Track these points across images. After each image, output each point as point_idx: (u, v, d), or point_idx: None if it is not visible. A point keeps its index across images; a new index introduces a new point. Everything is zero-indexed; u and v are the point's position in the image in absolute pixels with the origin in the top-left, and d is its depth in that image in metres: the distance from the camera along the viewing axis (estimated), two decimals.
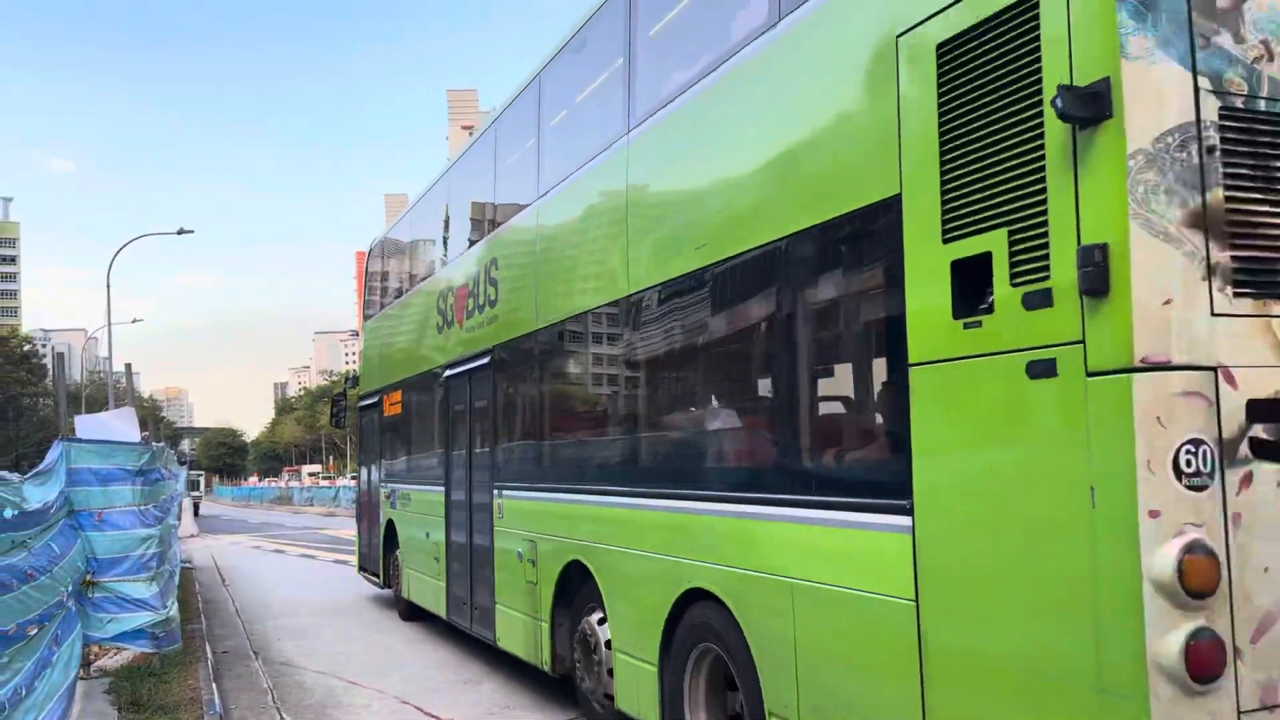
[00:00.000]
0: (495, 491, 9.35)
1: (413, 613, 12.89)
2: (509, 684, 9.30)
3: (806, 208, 4.91)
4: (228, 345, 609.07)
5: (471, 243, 10.45)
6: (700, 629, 5.82)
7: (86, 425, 9.67)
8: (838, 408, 4.98)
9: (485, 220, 10.17)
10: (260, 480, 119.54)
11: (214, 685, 8.83)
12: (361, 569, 15.76)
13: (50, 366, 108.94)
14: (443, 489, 11.13)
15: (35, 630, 5.91)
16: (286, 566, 22.62)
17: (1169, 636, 3.26)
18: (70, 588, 7.65)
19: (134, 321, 75.96)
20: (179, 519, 13.89)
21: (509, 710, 8.40)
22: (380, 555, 14.28)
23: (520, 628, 8.64)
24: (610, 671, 7.03)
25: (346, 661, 10.68)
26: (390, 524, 13.76)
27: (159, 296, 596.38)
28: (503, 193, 9.64)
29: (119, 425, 9.54)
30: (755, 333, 5.49)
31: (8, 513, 5.80)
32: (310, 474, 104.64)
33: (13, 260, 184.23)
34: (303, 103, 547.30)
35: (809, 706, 4.84)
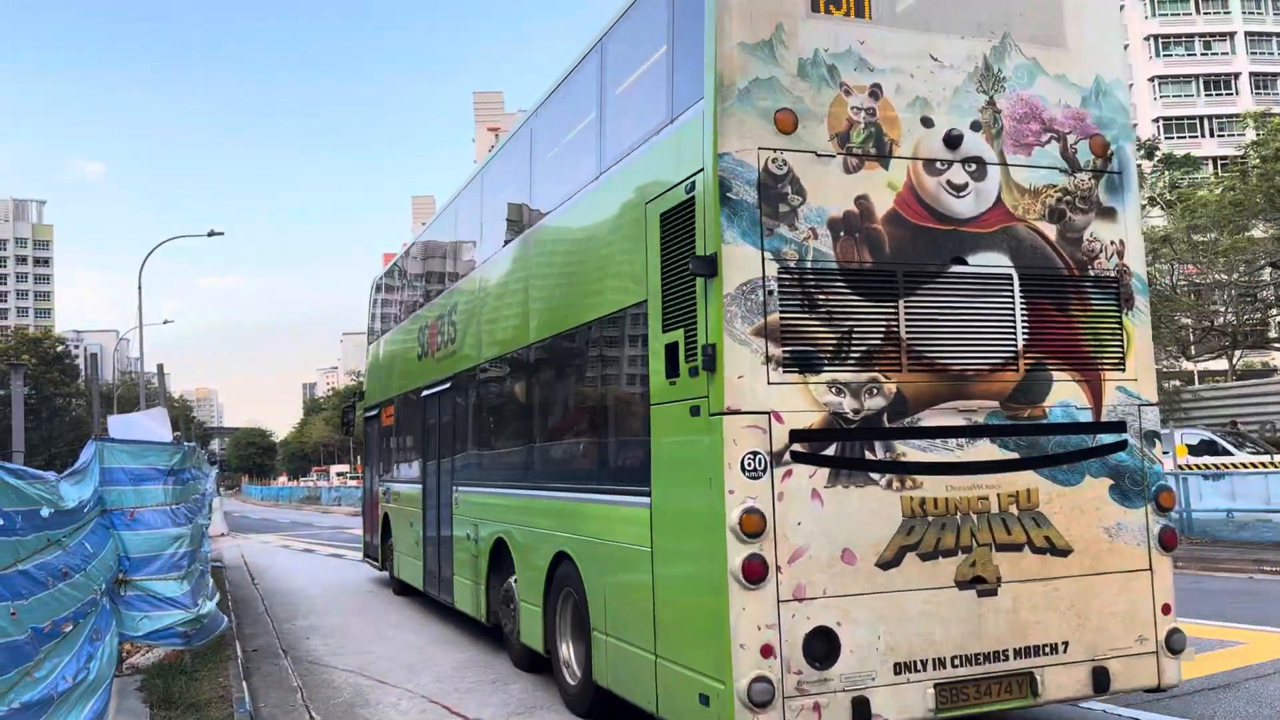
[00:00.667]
0: (454, 489, 12.12)
1: (401, 588, 16.00)
2: (536, 686, 9.36)
3: (605, 303, 7.73)
4: (257, 346, 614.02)
5: (439, 291, 13.51)
6: (563, 580, 8.51)
7: (119, 425, 9.80)
8: (621, 432, 7.62)
9: (447, 274, 13.37)
10: (289, 480, 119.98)
11: (244, 683, 8.92)
12: (366, 556, 18.72)
13: (83, 367, 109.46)
14: (420, 487, 13.88)
15: (70, 628, 5.99)
16: (315, 566, 22.78)
17: (735, 558, 5.89)
18: (104, 585, 7.73)
19: (165, 323, 78.12)
20: (209, 518, 14.14)
21: (535, 710, 8.45)
22: (379, 543, 17.11)
23: (468, 592, 11.38)
24: (517, 616, 9.79)
25: (375, 660, 10.76)
26: (385, 516, 16.57)
27: (189, 298, 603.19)
28: (460, 255, 12.75)
29: (151, 425, 9.66)
30: (580, 381, 8.37)
31: (44, 511, 5.88)
32: (338, 474, 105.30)
33: (47, 263, 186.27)
34: (332, 104, 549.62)
35: (610, 621, 7.51)
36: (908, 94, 6.56)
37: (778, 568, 5.96)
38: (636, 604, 7.02)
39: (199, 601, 9.23)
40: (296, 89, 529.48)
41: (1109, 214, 7.04)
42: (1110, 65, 7.22)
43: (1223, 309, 35.89)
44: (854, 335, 6.25)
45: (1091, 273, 6.91)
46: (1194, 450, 26.09)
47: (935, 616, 6.26)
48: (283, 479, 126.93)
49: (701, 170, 6.26)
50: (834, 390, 6.20)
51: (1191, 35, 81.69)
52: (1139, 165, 43.41)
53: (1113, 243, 7.01)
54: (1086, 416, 6.80)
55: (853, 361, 6.25)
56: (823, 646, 5.99)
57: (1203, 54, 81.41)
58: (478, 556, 10.91)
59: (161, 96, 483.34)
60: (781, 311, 6.10)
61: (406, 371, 15.14)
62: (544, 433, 9.27)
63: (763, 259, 6.08)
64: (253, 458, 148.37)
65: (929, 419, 6.39)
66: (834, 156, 6.35)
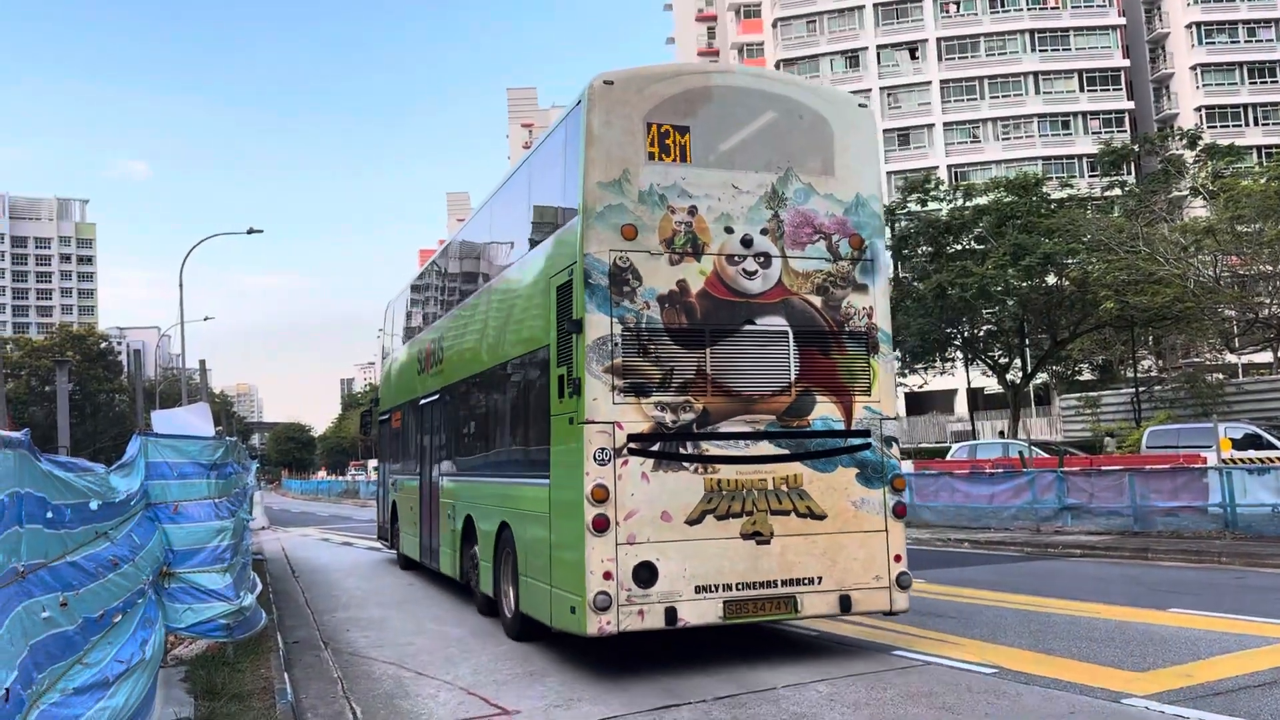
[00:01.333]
0: (441, 478, 15.35)
1: (406, 563, 19.36)
2: (573, 677, 9.43)
3: (523, 345, 11.05)
4: (295, 343, 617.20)
5: (434, 318, 17.05)
6: (505, 542, 11.45)
7: (162, 420, 9.95)
8: (537, 435, 10.45)
9: (433, 314, 17.21)
10: (328, 474, 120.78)
11: (285, 675, 9.02)
12: (380, 538, 22.01)
13: (125, 363, 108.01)
14: (419, 478, 17.10)
15: (120, 618, 6.10)
16: (354, 559, 22.93)
17: (588, 516, 8.88)
18: (150, 576, 7.84)
19: (205, 319, 76.73)
20: (251, 512, 14.50)
21: (574, 703, 8.50)
22: (389, 526, 20.47)
23: (449, 559, 14.63)
24: (478, 572, 12.87)
25: (415, 653, 10.85)
26: (394, 504, 19.83)
27: (229, 294, 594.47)
28: (445, 302, 16.33)
29: (193, 420, 9.80)
30: (508, 400, 11.76)
31: (93, 504, 5.98)
32: (375, 468, 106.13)
33: (90, 260, 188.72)
34: (369, 101, 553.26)
35: (528, 568, 10.52)
36: (716, 211, 9.72)
37: (617, 523, 9.04)
38: (541, 553, 10.09)
39: (241, 594, 9.35)
40: (335, 89, 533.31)
41: (862, 289, 10.16)
42: (867, 185, 10.37)
43: (1268, 300, 35.46)
44: (674, 372, 9.39)
45: (847, 329, 10.03)
46: (1238, 444, 25.73)
47: (725, 557, 9.31)
48: (322, 473, 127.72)
49: (575, 262, 9.41)
50: (658, 408, 9.31)
51: (1235, 22, 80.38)
52: (1182, 154, 42.89)
53: (864, 308, 10.12)
54: (840, 426, 9.90)
55: (672, 389, 9.36)
56: (646, 574, 9.04)
57: (1246, 41, 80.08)
58: (455, 531, 14.05)
59: (202, 96, 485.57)
60: (623, 357, 9.28)
61: (409, 383, 18.39)
62: (493, 434, 12.52)
63: (611, 323, 9.27)
64: (292, 452, 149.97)
65: (726, 427, 9.49)
66: (662, 254, 9.50)
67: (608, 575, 8.89)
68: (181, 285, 43.37)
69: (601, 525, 8.96)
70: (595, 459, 9.02)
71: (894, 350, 11.06)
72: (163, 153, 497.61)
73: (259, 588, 11.82)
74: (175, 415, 10.28)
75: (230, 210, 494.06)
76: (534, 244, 11.05)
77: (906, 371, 45.53)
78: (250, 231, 43.72)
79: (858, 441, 9.91)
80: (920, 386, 50.71)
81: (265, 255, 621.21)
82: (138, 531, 7.81)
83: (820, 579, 9.56)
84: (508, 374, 11.70)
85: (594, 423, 9.11)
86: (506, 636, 11.45)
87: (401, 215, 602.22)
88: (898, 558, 9.85)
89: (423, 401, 16.87)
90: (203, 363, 32.57)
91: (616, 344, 9.25)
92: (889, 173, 74.48)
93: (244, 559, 10.96)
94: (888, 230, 36.33)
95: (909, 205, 43.36)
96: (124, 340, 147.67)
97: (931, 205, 43.20)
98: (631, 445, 9.16)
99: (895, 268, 42.94)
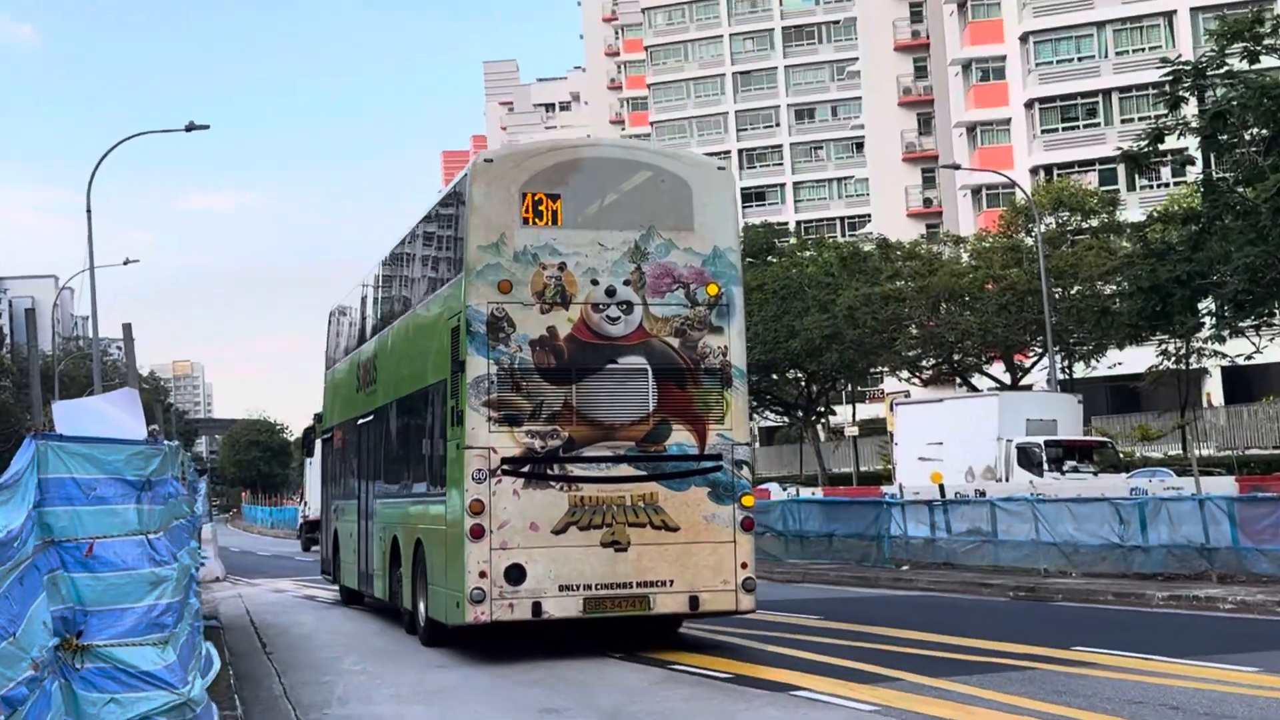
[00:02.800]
0: (375, 501, 16.02)
1: (348, 597, 18.48)
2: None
3: (431, 376, 12.73)
4: (260, 299, 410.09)
5: (373, 334, 17.15)
6: (419, 557, 12.97)
7: (69, 414, 6.81)
8: (438, 457, 12.42)
9: (372, 328, 17.24)
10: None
11: None
12: (323, 572, 20.85)
13: (7, 329, 71.60)
14: (356, 502, 17.36)
15: None
16: (353, 627, 15.96)
17: (466, 526, 11.02)
18: (45, 654, 5.29)
19: (126, 263, 47.40)
20: (201, 554, 9.80)
21: None
22: (332, 559, 19.58)
23: (380, 582, 15.33)
24: (402, 589, 13.95)
25: None
26: (335, 531, 19.45)
27: (162, 228, 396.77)
28: (382, 317, 16.58)
29: (115, 415, 6.72)
30: (424, 425, 13.22)
31: None
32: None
33: None
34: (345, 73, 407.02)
35: (433, 576, 12.33)
36: (583, 266, 11.42)
37: (491, 531, 10.95)
38: (440, 561, 11.89)
39: (189, 677, 6.30)
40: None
41: (718, 330, 11.68)
42: (725, 237, 11.88)
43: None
44: (543, 405, 11.19)
45: (703, 366, 11.59)
46: None
47: (586, 561, 11.07)
48: (301, 496, 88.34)
49: (460, 312, 11.31)
50: (529, 435, 11.12)
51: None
52: None
53: (720, 347, 11.64)
54: (694, 450, 11.47)
55: (541, 419, 11.16)
56: (515, 574, 10.90)
57: None
58: (385, 553, 14.87)
59: None
60: (498, 393, 11.16)
61: (350, 400, 18.39)
62: (413, 457, 13.81)
63: (488, 364, 11.17)
64: (257, 464, 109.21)
65: (589, 451, 11.24)
66: (534, 305, 11.30)
67: (483, 574, 10.83)
68: (90, 212, 30.95)
69: (478, 533, 10.95)
70: (473, 478, 10.97)
71: (747, 381, 12.10)
72: (59, 9, 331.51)
73: (215, 668, 7.87)
74: (87, 407, 7.18)
75: (163, 98, 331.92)
76: (436, 286, 12.95)
77: (1226, 334, 27.59)
78: (191, 128, 31.11)
79: (709, 464, 11.51)
80: (1246, 358, 32.75)
81: (214, 166, 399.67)
82: (18, 591, 4.89)
83: (672, 582, 11.26)
84: (422, 401, 13.14)
85: (473, 448, 11.08)
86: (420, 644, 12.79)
87: (417, 105, 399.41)
88: (744, 565, 11.51)
89: (360, 421, 17.25)
90: (127, 329, 18.42)
91: (492, 381, 11.16)
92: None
93: (192, 625, 7.68)
94: (1195, 101, 24.63)
95: (1228, 62, 24.55)
96: (4, 294, 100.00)
97: (1269, 62, 24.71)
98: (505, 467, 11.06)
99: (1207, 163, 29.68)
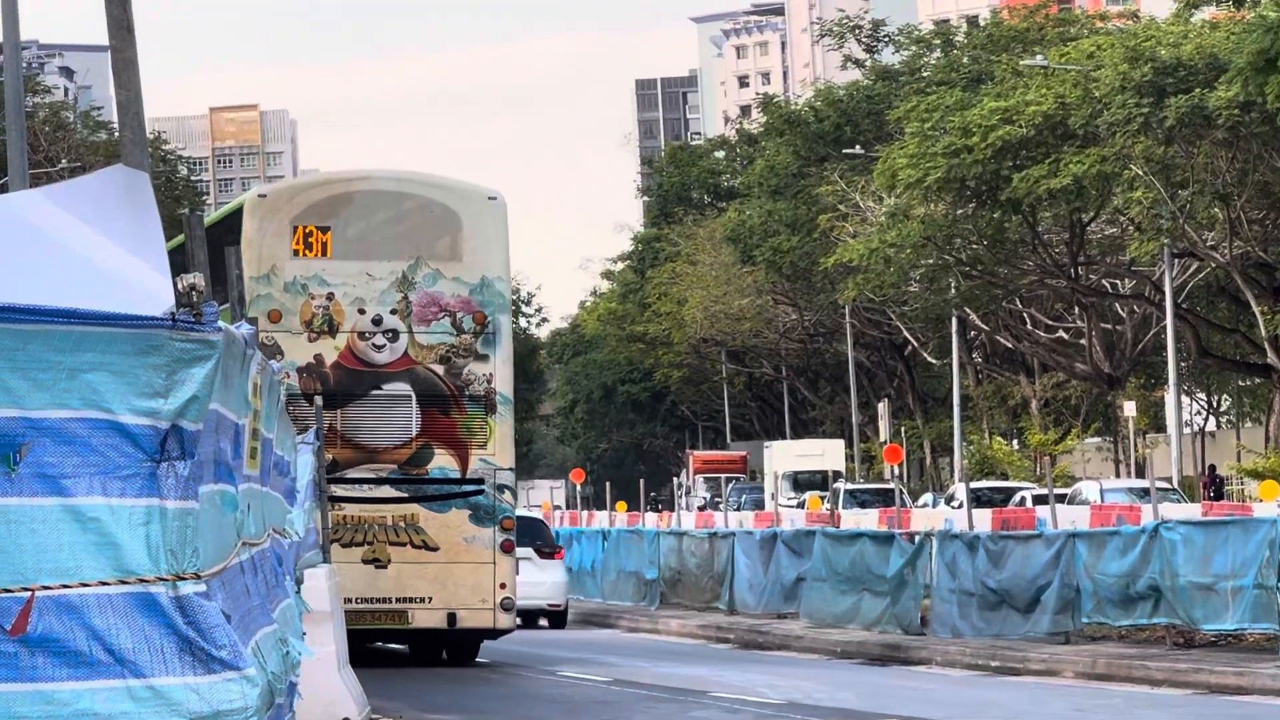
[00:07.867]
0: None
1: None
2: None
3: None
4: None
5: None
6: None
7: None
8: None
9: None
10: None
11: None
12: None
13: None
14: None
15: None
16: None
17: None
18: None
19: None
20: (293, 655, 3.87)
21: None
22: None
23: None
24: None
25: None
26: None
27: None
28: None
29: (92, 243, 2.57)
30: None
31: None
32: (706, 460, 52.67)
33: None
34: None
35: None
36: (351, 296, 12.75)
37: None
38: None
39: None
40: None
41: (484, 358, 13.01)
42: (493, 267, 13.12)
43: None
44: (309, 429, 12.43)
45: (468, 393, 12.90)
46: None
47: (349, 578, 11.45)
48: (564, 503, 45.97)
49: None
50: None
51: None
52: None
53: (485, 375, 12.96)
54: (455, 474, 12.89)
55: None
56: None
57: None
58: None
59: None
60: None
61: None
62: None
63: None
64: None
65: (353, 473, 12.50)
66: (302, 333, 12.62)
67: None
68: None
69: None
70: None
71: (512, 407, 12.92)
72: None
73: None
74: (43, 219, 2.81)
75: None
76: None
77: None
78: None
79: (470, 488, 12.90)
80: None
81: None
82: None
83: (430, 599, 12.70)
84: None
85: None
86: None
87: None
88: (503, 585, 12.86)
89: None
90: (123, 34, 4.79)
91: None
92: None
93: None
94: None
95: None
96: None
97: None
98: None
99: None
